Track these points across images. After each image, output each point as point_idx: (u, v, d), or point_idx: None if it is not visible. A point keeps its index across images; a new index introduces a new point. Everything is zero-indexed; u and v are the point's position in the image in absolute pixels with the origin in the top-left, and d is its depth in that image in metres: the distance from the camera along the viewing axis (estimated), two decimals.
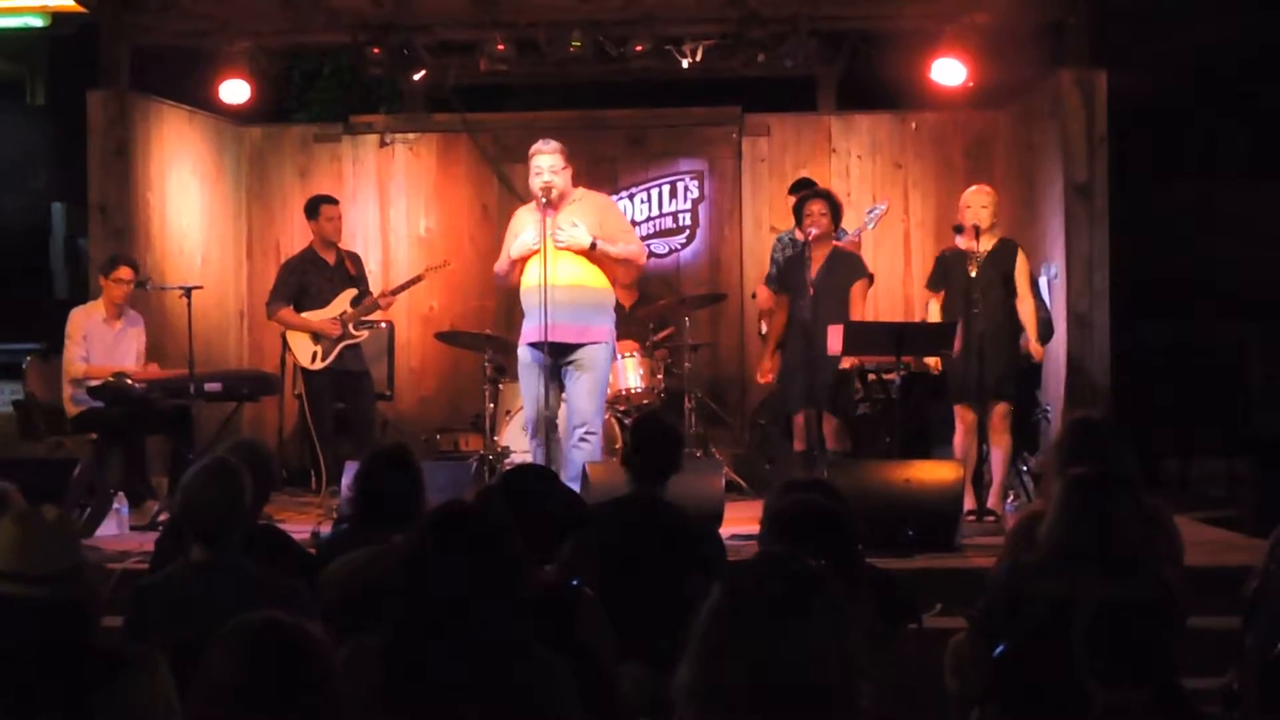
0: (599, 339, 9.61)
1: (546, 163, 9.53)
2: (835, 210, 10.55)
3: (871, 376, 11.39)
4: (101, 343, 10.90)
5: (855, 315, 10.39)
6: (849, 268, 10.52)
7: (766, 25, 12.02)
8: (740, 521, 9.04)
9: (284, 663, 3.34)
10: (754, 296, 12.95)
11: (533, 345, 9.54)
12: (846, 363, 10.61)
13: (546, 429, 9.61)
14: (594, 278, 9.59)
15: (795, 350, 10.37)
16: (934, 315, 10.31)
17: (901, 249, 13.70)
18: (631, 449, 6.36)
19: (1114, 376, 11.44)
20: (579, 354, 9.52)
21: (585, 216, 9.55)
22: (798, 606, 2.95)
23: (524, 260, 9.59)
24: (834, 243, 10.56)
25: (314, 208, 11.75)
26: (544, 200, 9.41)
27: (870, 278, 10.94)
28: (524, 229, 9.62)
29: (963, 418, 10.10)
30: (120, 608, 5.25)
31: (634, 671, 5.01)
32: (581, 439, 9.51)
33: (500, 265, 9.81)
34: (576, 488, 8.67)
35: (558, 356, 9.50)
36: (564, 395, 9.76)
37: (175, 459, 10.75)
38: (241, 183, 14.21)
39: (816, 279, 10.23)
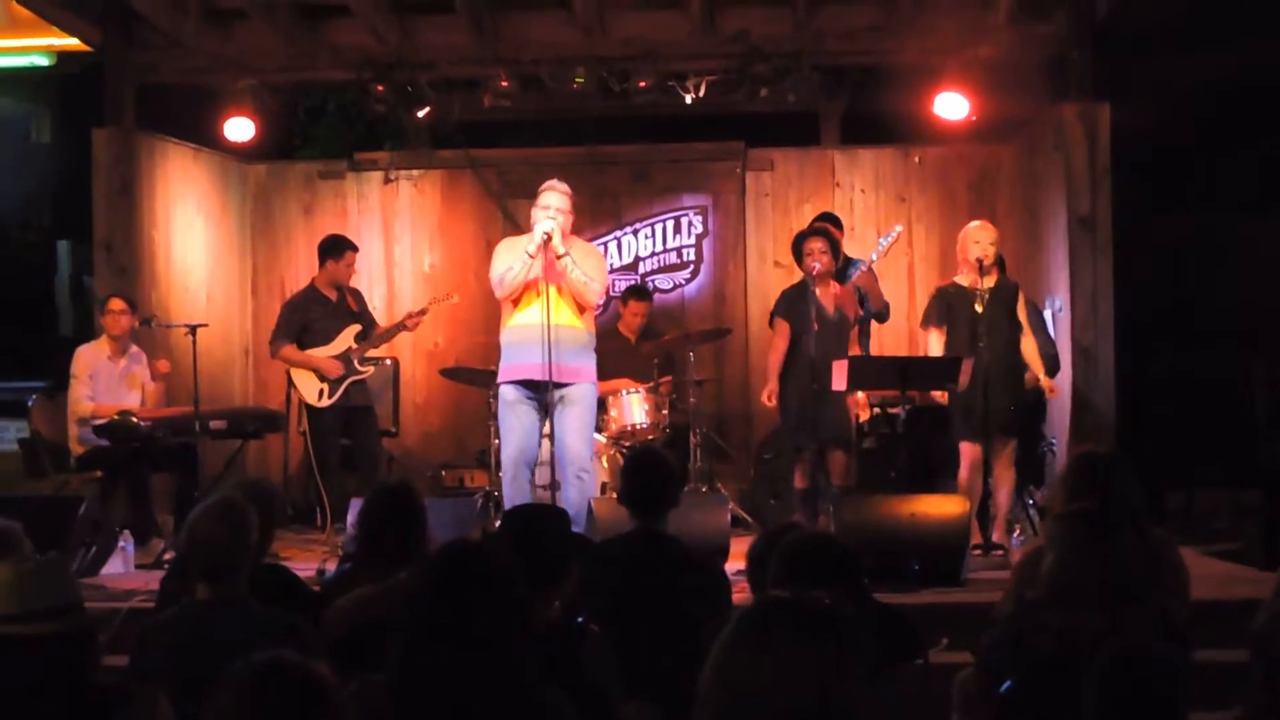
0: (589, 378, 9.74)
1: (555, 201, 9.57)
2: (834, 246, 10.55)
3: (876, 411, 11.38)
4: (107, 380, 10.92)
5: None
6: (850, 310, 10.52)
7: (769, 60, 12.07)
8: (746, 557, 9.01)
9: (291, 702, 3.34)
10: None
11: (521, 383, 9.55)
12: (864, 415, 10.66)
13: (530, 466, 9.66)
14: (583, 319, 9.69)
15: (799, 386, 10.35)
16: (935, 351, 10.29)
17: (906, 283, 13.71)
18: (626, 485, 6.35)
19: (1119, 408, 11.43)
20: (570, 391, 9.55)
21: (578, 259, 9.62)
22: (809, 644, 2.95)
23: (519, 294, 9.58)
24: (835, 284, 10.53)
25: (339, 250, 11.68)
26: (544, 240, 9.41)
27: (879, 315, 10.94)
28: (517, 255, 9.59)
29: (968, 453, 10.09)
30: (125, 646, 5.26)
31: (640, 708, 5.00)
32: (577, 476, 9.53)
33: (501, 287, 9.68)
34: (575, 526, 8.68)
35: (541, 392, 9.52)
36: (546, 433, 9.78)
37: (181, 497, 10.76)
38: (246, 220, 14.24)
39: (821, 317, 10.22)
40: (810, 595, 3.14)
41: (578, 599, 5.40)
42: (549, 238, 9.40)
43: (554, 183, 9.71)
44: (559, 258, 9.46)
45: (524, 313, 9.58)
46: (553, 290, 9.44)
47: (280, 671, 3.37)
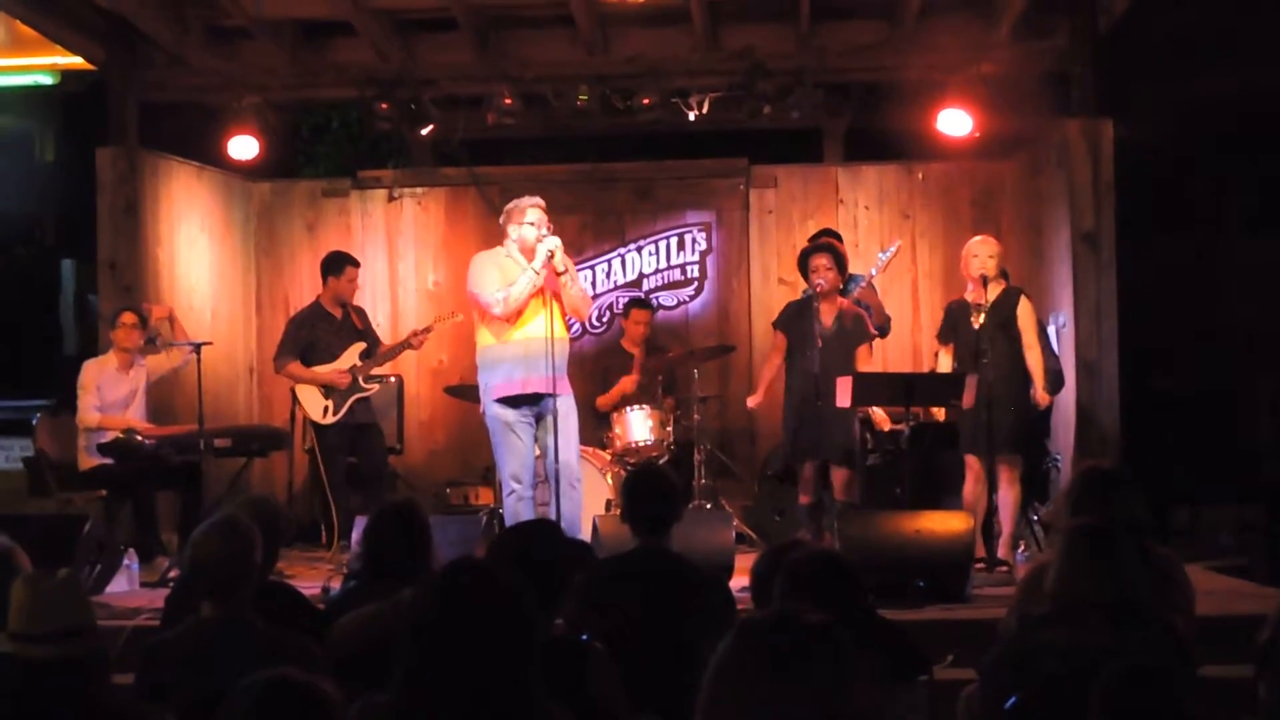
0: (570, 390, 9.79)
1: (541, 217, 9.61)
2: (840, 262, 10.55)
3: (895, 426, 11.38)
4: (115, 393, 10.94)
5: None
6: (857, 328, 10.49)
7: (772, 77, 12.07)
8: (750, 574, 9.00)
9: (296, 719, 3.34)
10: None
11: (516, 400, 9.55)
12: (885, 425, 10.68)
13: (532, 484, 9.67)
14: (564, 331, 9.75)
15: (800, 402, 10.35)
16: (944, 367, 10.30)
17: (910, 299, 13.71)
18: (627, 504, 6.34)
19: (1123, 424, 11.42)
20: (563, 403, 9.59)
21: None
22: (808, 660, 2.95)
23: (520, 310, 9.58)
24: (840, 299, 10.53)
25: (339, 266, 11.70)
26: (549, 256, 9.42)
27: (880, 331, 10.93)
28: (512, 276, 9.58)
29: (972, 467, 10.08)
30: (131, 665, 5.26)
31: None
32: (571, 485, 9.53)
33: (506, 305, 9.63)
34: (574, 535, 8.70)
35: (538, 406, 9.55)
36: (538, 446, 9.81)
37: (185, 515, 10.77)
38: (250, 238, 14.25)
39: (824, 332, 10.23)
40: (808, 610, 3.14)
41: (582, 616, 5.39)
42: (552, 254, 9.41)
43: (533, 199, 9.72)
44: (560, 274, 9.49)
45: (526, 327, 9.56)
46: (554, 304, 9.48)
47: (285, 688, 3.37)
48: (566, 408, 9.64)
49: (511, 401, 9.57)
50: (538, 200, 9.71)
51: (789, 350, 10.54)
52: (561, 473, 9.53)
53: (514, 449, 9.61)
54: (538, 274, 9.43)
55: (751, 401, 10.84)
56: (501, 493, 9.87)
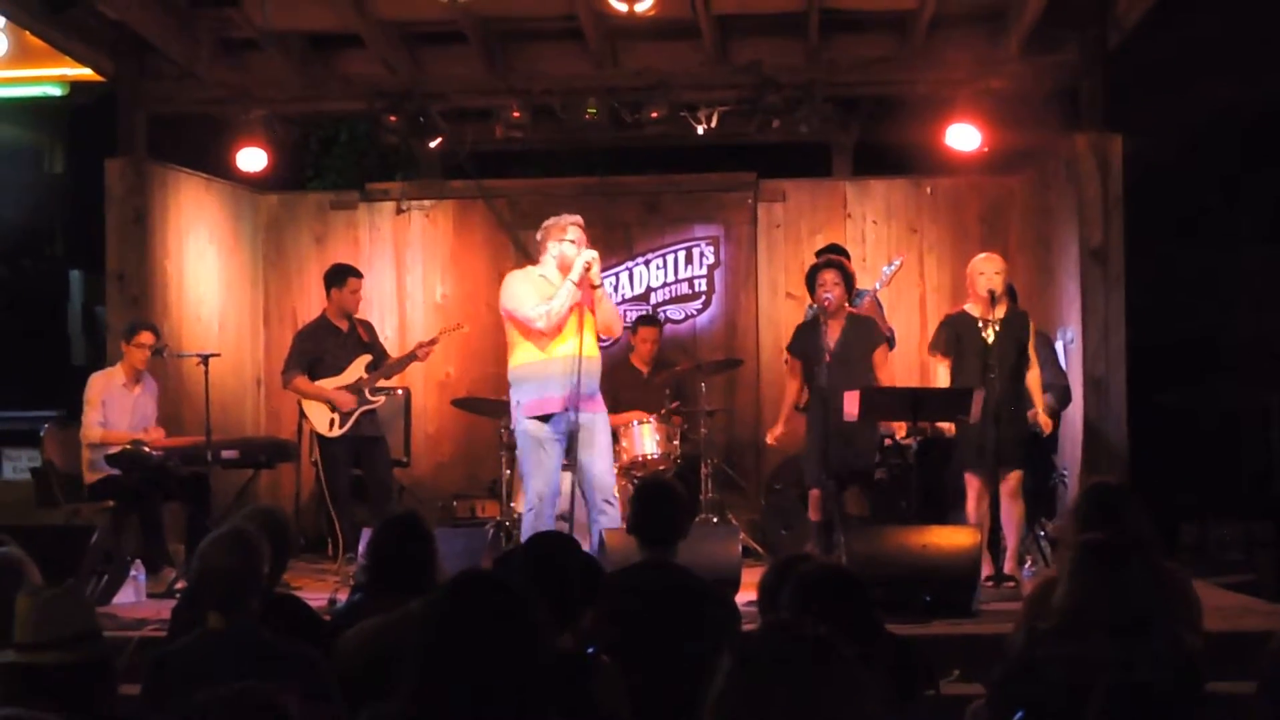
0: (603, 407, 9.78)
1: (580, 235, 9.61)
2: (848, 279, 10.54)
3: (888, 442, 11.37)
4: (121, 408, 10.93)
5: (884, 382, 10.37)
6: (867, 335, 10.48)
7: (781, 91, 12.08)
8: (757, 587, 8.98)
9: None
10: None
11: (548, 417, 9.52)
12: (900, 430, 10.65)
13: (554, 502, 9.66)
14: (595, 349, 9.72)
15: (814, 419, 10.34)
16: (942, 380, 10.25)
17: (918, 313, 13.69)
18: (635, 516, 6.33)
19: (1131, 440, 11.40)
20: (597, 419, 9.57)
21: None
22: (810, 674, 2.95)
23: (561, 324, 9.56)
24: (848, 308, 10.53)
25: (341, 277, 11.73)
26: (586, 268, 9.41)
27: (889, 340, 10.92)
28: (547, 293, 9.57)
29: (972, 485, 10.04)
30: (138, 676, 5.25)
31: None
32: (607, 502, 9.51)
33: (549, 319, 9.53)
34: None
35: (570, 423, 9.53)
36: (567, 463, 9.79)
37: (192, 526, 10.74)
38: (258, 250, 14.27)
39: (833, 347, 10.21)
40: (809, 623, 3.13)
41: (589, 629, 5.38)
42: (589, 266, 9.41)
43: (572, 216, 9.74)
44: (595, 287, 9.50)
45: (563, 344, 9.55)
46: (589, 319, 9.49)
47: (249, 702, 3.35)
48: (600, 424, 9.63)
49: (543, 419, 9.56)
50: (576, 218, 9.72)
51: (807, 372, 10.54)
52: (595, 490, 9.53)
53: (541, 465, 9.58)
54: (576, 285, 9.43)
55: (771, 437, 10.84)
56: (522, 507, 9.85)
